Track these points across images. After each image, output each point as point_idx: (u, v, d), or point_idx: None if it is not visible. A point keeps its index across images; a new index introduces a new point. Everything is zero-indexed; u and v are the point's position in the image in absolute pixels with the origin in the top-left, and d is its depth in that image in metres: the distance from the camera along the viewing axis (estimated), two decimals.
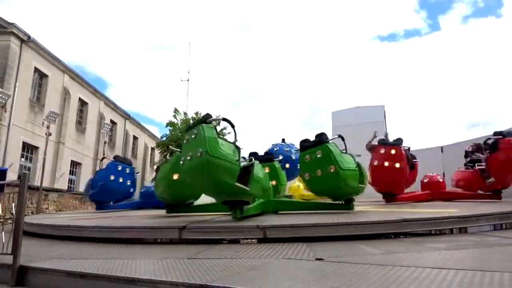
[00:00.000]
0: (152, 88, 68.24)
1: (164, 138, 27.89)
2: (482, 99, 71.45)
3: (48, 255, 3.64)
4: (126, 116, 31.48)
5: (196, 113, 28.69)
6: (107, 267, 2.81)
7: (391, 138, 7.82)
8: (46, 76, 21.28)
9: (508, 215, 4.25)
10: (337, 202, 5.37)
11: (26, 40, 19.17)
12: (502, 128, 7.57)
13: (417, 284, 1.90)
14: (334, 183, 4.99)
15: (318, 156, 5.11)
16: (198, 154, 3.99)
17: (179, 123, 28.20)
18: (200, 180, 4.32)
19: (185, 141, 4.41)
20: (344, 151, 5.35)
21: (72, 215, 8.13)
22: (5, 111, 15.57)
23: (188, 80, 31.50)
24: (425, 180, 8.70)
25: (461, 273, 2.08)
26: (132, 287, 2.41)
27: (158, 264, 2.85)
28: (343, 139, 5.53)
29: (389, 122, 19.41)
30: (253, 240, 3.79)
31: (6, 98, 11.98)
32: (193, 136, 4.22)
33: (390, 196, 7.40)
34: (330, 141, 5.21)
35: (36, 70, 20.48)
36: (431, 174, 8.81)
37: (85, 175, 24.77)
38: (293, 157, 8.94)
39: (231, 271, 2.49)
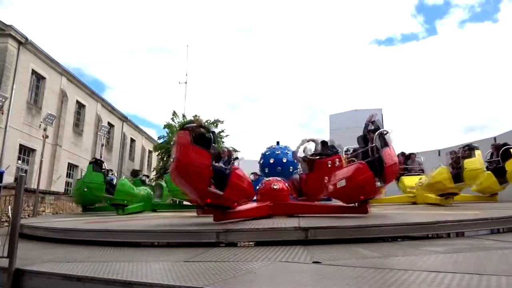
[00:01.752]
0: (150, 91, 68.14)
1: (161, 140, 27.82)
2: (479, 103, 71.79)
3: (45, 258, 3.62)
4: (123, 118, 31.38)
5: (194, 116, 28.67)
6: (103, 270, 2.79)
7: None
8: (43, 78, 21.19)
9: (505, 219, 4.26)
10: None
11: (23, 42, 19.09)
12: (499, 132, 7.25)
13: None
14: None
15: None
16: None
17: (177, 126, 28.16)
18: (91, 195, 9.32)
19: None
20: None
21: (69, 218, 8.09)
22: (2, 113, 15.48)
23: (186, 82, 31.50)
24: (261, 187, 6.27)
25: (458, 276, 2.09)
26: None
27: (155, 267, 2.84)
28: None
29: (386, 125, 19.37)
30: (250, 243, 3.78)
31: (3, 100, 11.90)
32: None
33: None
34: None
35: (34, 72, 20.39)
36: (268, 179, 6.45)
37: None
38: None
39: (228, 274, 2.48)
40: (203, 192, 4.37)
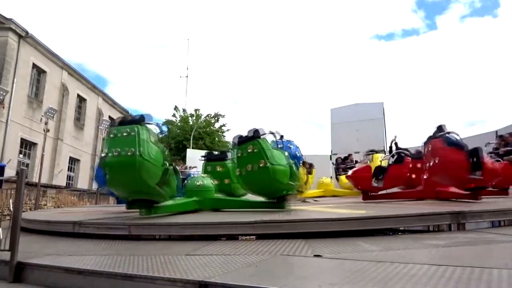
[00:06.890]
0: (151, 85, 68.15)
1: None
2: (479, 98, 71.54)
3: (46, 251, 3.63)
4: (124, 112, 31.36)
5: (196, 110, 28.70)
6: (104, 264, 2.80)
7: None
8: (44, 72, 21.18)
9: (506, 212, 4.24)
10: (270, 200, 5.28)
11: (24, 36, 19.04)
12: (499, 126, 7.15)
13: (415, 281, 1.90)
14: (265, 178, 4.91)
15: (249, 151, 5.05)
16: (129, 153, 4.35)
17: (178, 120, 28.22)
18: (124, 177, 4.53)
19: (111, 135, 4.57)
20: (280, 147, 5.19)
21: (70, 211, 8.11)
22: (3, 107, 15.52)
23: (187, 76, 31.55)
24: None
25: (459, 269, 2.08)
26: (129, 283, 2.41)
27: (156, 260, 2.84)
28: (276, 136, 5.22)
29: (388, 119, 19.39)
30: (251, 237, 3.78)
31: (4, 94, 11.93)
32: (124, 134, 4.48)
33: None
34: (263, 136, 5.05)
35: (34, 66, 20.37)
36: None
37: (84, 172, 24.75)
38: (298, 154, 8.81)
39: (229, 267, 2.48)
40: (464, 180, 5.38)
